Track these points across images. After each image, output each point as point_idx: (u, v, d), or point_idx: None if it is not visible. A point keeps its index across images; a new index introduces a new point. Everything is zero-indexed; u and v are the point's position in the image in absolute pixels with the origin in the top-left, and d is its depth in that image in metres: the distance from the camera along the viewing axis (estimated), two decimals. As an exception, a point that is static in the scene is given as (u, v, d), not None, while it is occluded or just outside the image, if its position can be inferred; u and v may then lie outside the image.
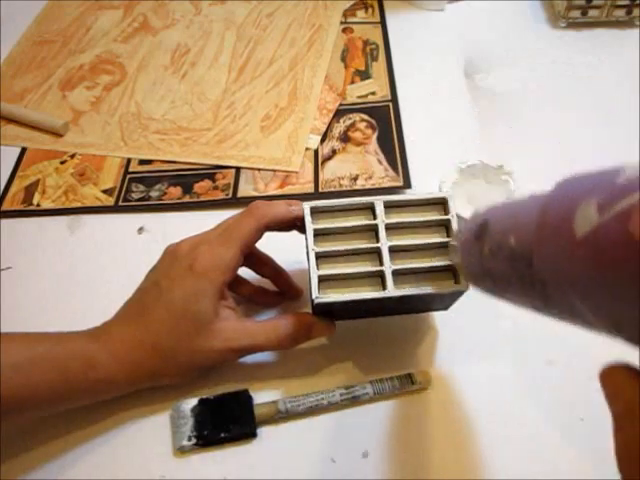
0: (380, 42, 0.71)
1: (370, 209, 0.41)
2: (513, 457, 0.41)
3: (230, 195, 0.56)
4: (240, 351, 0.42)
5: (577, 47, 0.70)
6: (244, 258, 0.43)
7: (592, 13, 0.70)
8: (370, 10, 0.75)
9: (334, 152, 0.60)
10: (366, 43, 0.71)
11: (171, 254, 0.43)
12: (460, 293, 0.40)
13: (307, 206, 0.41)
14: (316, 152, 0.60)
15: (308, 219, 0.41)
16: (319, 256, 0.40)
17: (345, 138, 0.61)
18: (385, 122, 0.62)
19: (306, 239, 0.40)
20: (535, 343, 0.46)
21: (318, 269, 0.40)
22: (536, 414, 0.43)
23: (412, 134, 0.60)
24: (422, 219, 0.41)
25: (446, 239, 0.40)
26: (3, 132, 0.63)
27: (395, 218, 0.41)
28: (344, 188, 0.56)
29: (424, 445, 0.42)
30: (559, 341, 0.46)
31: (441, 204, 0.41)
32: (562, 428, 0.42)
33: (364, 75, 0.67)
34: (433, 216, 0.41)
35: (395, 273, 0.39)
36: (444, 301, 0.43)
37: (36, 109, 0.65)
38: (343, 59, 0.69)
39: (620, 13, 0.70)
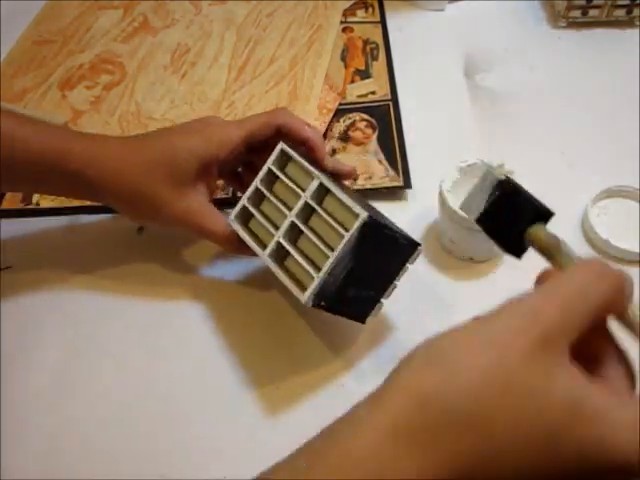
0: (380, 42, 0.71)
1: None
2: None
3: (230, 194, 0.56)
4: (191, 226, 0.45)
5: (577, 47, 0.70)
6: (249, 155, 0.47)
7: (592, 13, 0.70)
8: (370, 10, 0.75)
9: (334, 152, 0.60)
10: (366, 42, 0.71)
11: (196, 119, 0.48)
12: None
13: (280, 146, 0.43)
14: (316, 152, 0.59)
15: (272, 157, 0.43)
16: (259, 195, 0.43)
17: (345, 138, 0.61)
18: (385, 122, 0.62)
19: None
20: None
21: (250, 202, 0.43)
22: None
23: (412, 134, 0.60)
24: (340, 222, 0.39)
25: (329, 252, 0.39)
26: (3, 132, 0.63)
27: (326, 206, 0.40)
28: (344, 188, 0.56)
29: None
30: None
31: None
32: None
33: (364, 74, 0.67)
34: (349, 223, 0.39)
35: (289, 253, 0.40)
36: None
37: (36, 109, 0.64)
38: (343, 58, 0.69)
39: (620, 13, 0.70)
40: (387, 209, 0.49)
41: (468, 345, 0.25)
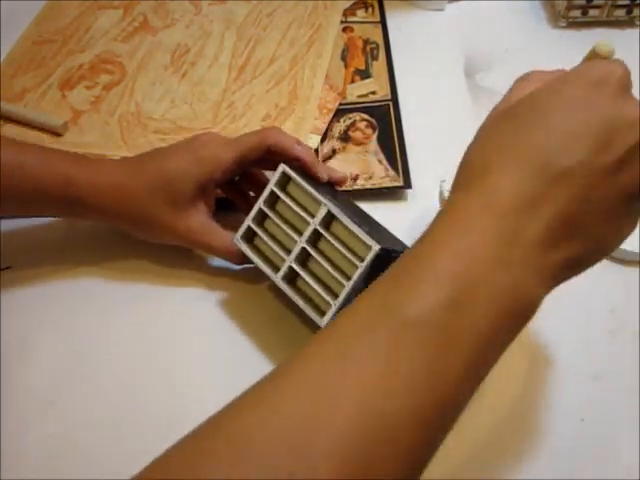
0: (380, 41, 0.71)
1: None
2: (512, 457, 0.41)
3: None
4: (195, 244, 0.47)
5: (577, 47, 0.69)
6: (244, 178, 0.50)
7: (592, 13, 0.70)
8: (370, 9, 0.75)
9: (334, 152, 0.60)
10: (366, 42, 0.71)
11: (188, 139, 0.48)
12: None
13: (281, 168, 0.43)
14: (316, 151, 0.59)
15: (274, 179, 0.43)
16: (263, 215, 0.44)
17: (345, 138, 0.61)
18: (385, 122, 0.62)
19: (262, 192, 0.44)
20: (536, 343, 0.46)
21: (255, 222, 0.44)
22: (536, 414, 0.43)
23: (412, 134, 0.60)
24: (350, 248, 0.41)
25: (345, 282, 0.40)
26: (2, 132, 0.63)
27: (334, 231, 0.42)
28: (344, 188, 0.56)
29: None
30: (559, 341, 0.46)
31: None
32: (562, 428, 0.42)
33: (364, 74, 0.67)
34: (361, 251, 0.40)
35: (297, 275, 0.42)
36: None
37: (35, 109, 0.64)
38: (343, 58, 0.69)
39: (620, 13, 0.70)
40: (387, 209, 0.49)
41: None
